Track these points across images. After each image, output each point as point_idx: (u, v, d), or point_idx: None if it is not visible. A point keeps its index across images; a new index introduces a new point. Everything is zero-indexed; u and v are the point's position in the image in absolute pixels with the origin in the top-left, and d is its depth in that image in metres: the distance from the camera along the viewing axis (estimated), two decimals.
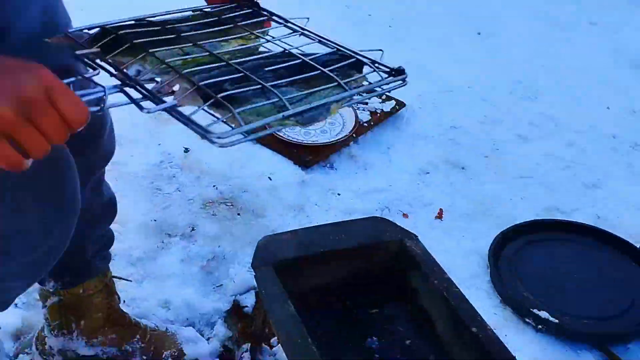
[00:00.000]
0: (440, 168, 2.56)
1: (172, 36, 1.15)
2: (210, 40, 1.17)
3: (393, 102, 2.78)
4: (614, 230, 2.26)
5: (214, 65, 1.05)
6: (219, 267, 2.07)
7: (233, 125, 0.92)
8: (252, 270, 1.46)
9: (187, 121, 0.91)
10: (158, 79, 1.04)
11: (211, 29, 1.21)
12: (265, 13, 1.30)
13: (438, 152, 2.61)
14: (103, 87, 0.94)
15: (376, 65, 1.13)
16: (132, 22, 1.18)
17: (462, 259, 2.13)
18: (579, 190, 2.52)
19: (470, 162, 2.62)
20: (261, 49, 1.20)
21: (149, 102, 0.97)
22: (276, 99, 0.97)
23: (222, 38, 1.18)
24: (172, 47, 1.10)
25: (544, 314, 1.89)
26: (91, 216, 1.47)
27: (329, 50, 1.17)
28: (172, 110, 0.94)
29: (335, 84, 1.05)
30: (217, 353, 1.82)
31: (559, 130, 2.90)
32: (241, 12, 1.29)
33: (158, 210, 2.25)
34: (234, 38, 1.20)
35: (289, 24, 1.29)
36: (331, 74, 1.06)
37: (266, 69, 1.06)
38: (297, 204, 2.32)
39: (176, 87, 1.03)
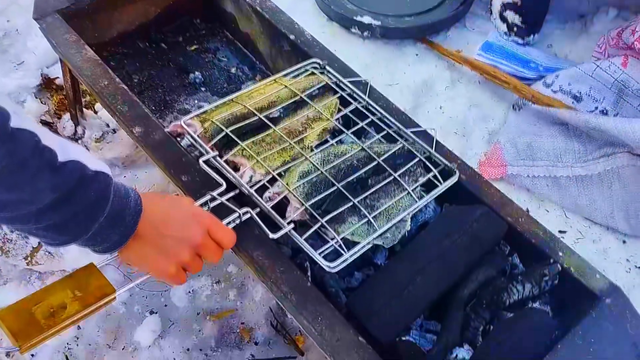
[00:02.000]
0: None
1: (271, 130, 1.39)
2: (299, 129, 1.42)
3: None
4: None
5: (313, 176, 1.31)
6: (15, 44, 1.96)
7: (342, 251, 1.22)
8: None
9: (302, 245, 1.21)
10: (268, 185, 1.31)
11: (296, 116, 1.45)
12: (332, 85, 1.52)
13: None
14: (239, 212, 1.22)
15: (433, 163, 1.41)
16: (231, 114, 1.40)
17: None
18: None
19: None
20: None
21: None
22: (365, 219, 1.27)
23: (310, 127, 1.43)
24: (274, 148, 1.36)
25: (367, 19, 2.12)
26: None
27: (395, 145, 1.42)
28: (291, 235, 1.22)
29: (407, 192, 1.34)
30: None
31: None
32: (317, 88, 1.51)
33: None
34: (317, 122, 1.44)
35: (355, 95, 1.53)
36: (402, 181, 1.35)
37: (352, 177, 1.33)
38: None
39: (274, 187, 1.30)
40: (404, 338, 1.21)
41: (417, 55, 2.29)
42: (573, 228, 1.85)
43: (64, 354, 1.48)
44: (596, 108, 1.92)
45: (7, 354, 1.46)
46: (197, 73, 1.78)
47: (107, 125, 1.89)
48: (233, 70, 1.82)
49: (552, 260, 1.29)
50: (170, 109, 1.69)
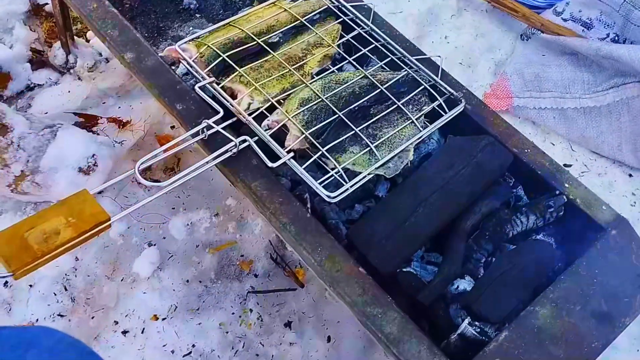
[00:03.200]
0: None
1: (270, 56, 1.33)
2: (299, 55, 1.36)
3: None
4: None
5: (313, 104, 1.26)
6: None
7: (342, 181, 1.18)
8: None
9: (302, 175, 1.17)
10: (266, 113, 1.26)
11: (296, 41, 1.38)
12: (334, 9, 1.45)
13: None
14: (235, 141, 1.18)
15: (438, 91, 1.36)
16: (228, 38, 1.33)
17: None
18: None
19: None
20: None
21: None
22: (367, 148, 1.23)
23: (310, 53, 1.36)
24: (273, 74, 1.30)
25: None
26: None
27: (399, 73, 1.37)
28: (290, 164, 1.18)
29: (410, 121, 1.29)
30: (27, 57, 1.79)
31: None
32: (318, 12, 1.44)
33: None
34: (317, 48, 1.38)
35: (358, 21, 1.46)
36: (406, 110, 1.30)
37: (354, 105, 1.28)
38: None
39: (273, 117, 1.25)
40: (404, 269, 1.19)
41: None
42: (579, 161, 1.82)
43: (62, 285, 1.47)
44: (607, 35, 1.85)
45: (5, 284, 1.45)
46: None
47: (100, 54, 1.82)
48: None
49: (557, 192, 1.26)
50: (163, 36, 1.62)
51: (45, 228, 0.99)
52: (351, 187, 1.17)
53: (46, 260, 0.97)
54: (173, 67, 1.38)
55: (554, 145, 1.84)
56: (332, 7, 1.47)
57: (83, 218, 1.02)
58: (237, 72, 1.28)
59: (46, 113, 1.69)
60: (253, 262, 1.58)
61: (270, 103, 1.26)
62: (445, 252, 1.24)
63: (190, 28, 1.64)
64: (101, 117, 1.68)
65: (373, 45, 1.41)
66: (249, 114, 1.24)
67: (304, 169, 1.18)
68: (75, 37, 1.79)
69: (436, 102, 1.34)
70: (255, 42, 1.34)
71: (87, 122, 1.66)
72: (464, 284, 1.19)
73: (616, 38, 1.82)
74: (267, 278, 1.56)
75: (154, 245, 1.56)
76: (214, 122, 1.21)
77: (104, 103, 1.75)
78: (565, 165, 1.80)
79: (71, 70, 1.79)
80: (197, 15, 1.68)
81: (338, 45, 1.41)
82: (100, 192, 1.60)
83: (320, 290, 1.54)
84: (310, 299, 1.53)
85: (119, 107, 1.75)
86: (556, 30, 1.86)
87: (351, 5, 1.49)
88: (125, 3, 1.66)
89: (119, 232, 1.56)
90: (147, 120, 1.69)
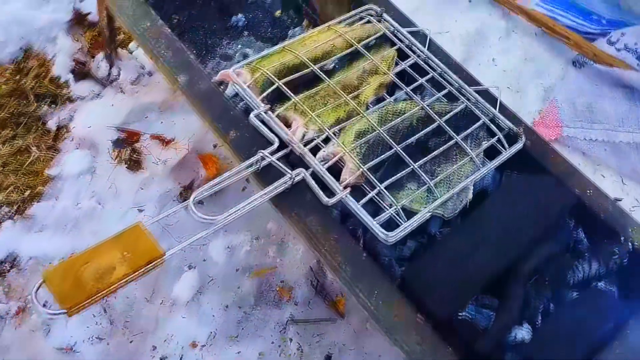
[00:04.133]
0: None
1: (325, 84, 1.29)
2: (354, 84, 1.32)
3: None
4: None
5: (370, 137, 1.21)
6: None
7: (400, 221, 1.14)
8: None
9: (358, 213, 1.13)
10: (321, 144, 1.22)
11: (352, 68, 1.35)
12: (390, 35, 1.41)
13: None
14: (290, 174, 1.14)
15: (497, 125, 1.31)
16: (283, 64, 1.29)
17: None
18: None
19: None
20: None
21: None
22: (425, 186, 1.19)
23: (365, 81, 1.33)
24: (329, 103, 1.26)
25: None
26: None
27: (457, 105, 1.32)
28: (347, 202, 1.14)
29: (469, 158, 1.25)
30: (70, 68, 1.76)
31: None
32: (374, 38, 1.40)
33: None
34: (373, 76, 1.34)
35: (414, 47, 1.42)
36: (465, 146, 1.25)
37: (411, 139, 1.24)
38: None
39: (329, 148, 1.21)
40: (460, 315, 1.14)
41: (470, 1, 2.14)
42: (630, 195, 1.76)
43: (101, 307, 1.45)
44: None
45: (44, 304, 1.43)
46: (239, 15, 1.66)
47: (143, 67, 1.80)
48: (277, 13, 1.70)
49: (622, 238, 1.20)
50: (212, 54, 1.59)
51: (100, 263, 0.96)
52: (410, 226, 1.13)
53: (100, 297, 0.94)
54: (221, 87, 1.35)
55: (604, 177, 1.78)
56: (388, 33, 1.42)
57: (138, 253, 0.99)
58: (292, 100, 1.25)
59: (89, 127, 1.66)
60: (293, 289, 1.55)
61: (325, 134, 1.22)
62: (503, 296, 1.19)
63: (239, 46, 1.60)
64: (144, 133, 1.65)
65: (430, 76, 1.37)
66: (304, 145, 1.21)
67: (361, 206, 1.14)
68: (119, 50, 1.77)
69: (495, 138, 1.30)
70: (310, 69, 1.30)
71: (130, 138, 1.64)
72: (522, 332, 1.14)
73: None
74: (307, 306, 1.52)
75: (194, 268, 1.53)
76: (269, 153, 1.17)
77: (146, 117, 1.73)
78: (615, 199, 1.74)
79: (114, 83, 1.77)
80: (245, 33, 1.64)
81: (394, 74, 1.37)
82: (141, 211, 1.57)
83: (361, 322, 1.50)
84: (351, 330, 1.49)
85: (161, 122, 1.72)
86: (609, 61, 1.80)
87: (407, 31, 1.44)
88: (174, 18, 1.63)
89: None
90: (191, 138, 1.66)
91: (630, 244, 1.19)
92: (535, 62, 1.99)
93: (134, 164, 1.61)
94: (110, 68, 1.76)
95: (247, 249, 1.58)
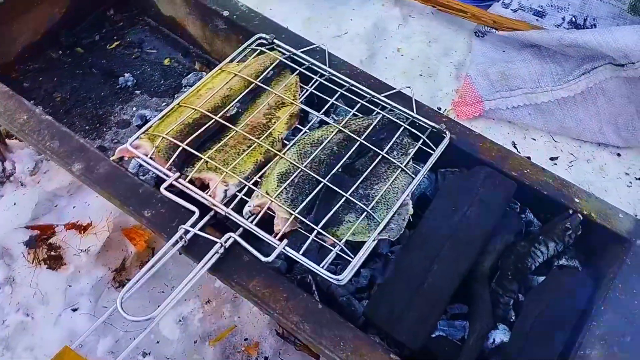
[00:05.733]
0: None
1: (233, 132, 1.20)
2: (263, 122, 1.23)
3: None
4: None
5: (293, 177, 1.13)
6: None
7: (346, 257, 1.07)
8: None
9: (302, 262, 1.05)
10: (245, 198, 1.13)
11: (256, 107, 1.26)
12: (286, 62, 1.33)
13: None
14: (219, 242, 1.05)
15: (417, 127, 1.26)
16: (183, 123, 1.20)
17: None
18: None
19: None
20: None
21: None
22: (364, 213, 1.12)
23: (274, 117, 1.24)
24: (241, 150, 1.17)
25: None
26: None
27: (373, 117, 1.26)
28: (287, 252, 1.06)
29: (400, 170, 1.19)
30: None
31: None
32: (271, 70, 1.32)
33: None
34: (280, 109, 1.26)
35: (315, 67, 1.35)
36: (392, 159, 1.19)
37: (336, 168, 1.17)
38: None
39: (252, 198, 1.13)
40: (434, 335, 1.08)
41: None
42: (564, 151, 1.75)
43: None
44: (563, 19, 1.79)
45: None
46: (126, 75, 1.54)
47: (39, 153, 1.65)
48: (166, 62, 1.60)
49: (570, 211, 1.17)
50: (106, 124, 1.47)
51: None
52: (358, 262, 1.06)
53: None
54: (121, 161, 1.24)
55: (535, 140, 1.77)
56: (284, 60, 1.35)
57: None
58: (202, 159, 1.15)
59: None
60: (259, 344, 1.45)
61: (247, 187, 1.14)
62: (471, 302, 1.14)
63: (134, 109, 1.49)
64: (57, 225, 1.52)
65: (339, 93, 1.30)
66: (226, 204, 1.11)
67: (302, 253, 1.06)
68: (7, 141, 1.62)
69: (420, 141, 1.24)
70: (213, 120, 1.21)
71: (43, 234, 1.50)
72: (500, 335, 1.09)
73: (573, 19, 1.76)
74: (279, 357, 1.44)
75: (149, 354, 1.41)
76: (191, 226, 1.07)
77: (55, 206, 1.59)
78: (551, 158, 1.74)
79: (11, 178, 1.62)
80: (137, 92, 1.53)
81: (301, 101, 1.30)
82: (75, 310, 1.44)
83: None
84: None
85: (74, 207, 1.58)
86: (510, 25, 1.78)
87: (301, 52, 1.37)
88: (56, 97, 1.50)
89: (107, 350, 1.40)
90: (109, 217, 1.53)
91: (579, 215, 1.16)
92: (439, 42, 1.96)
93: (55, 261, 1.47)
94: (3, 163, 1.61)
95: (199, 316, 1.47)
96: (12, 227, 1.53)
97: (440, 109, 1.80)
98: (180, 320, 1.46)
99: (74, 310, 1.43)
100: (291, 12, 2.02)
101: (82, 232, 1.50)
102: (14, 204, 1.57)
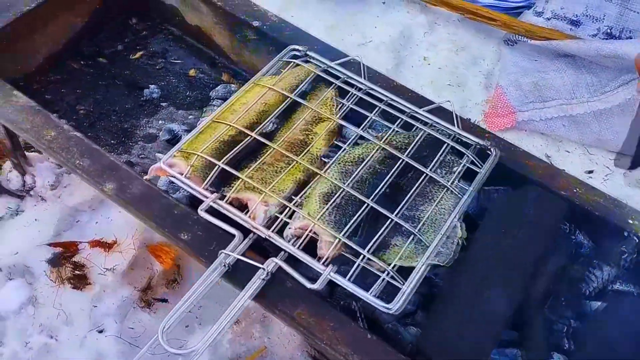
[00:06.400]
0: None
1: (271, 149, 1.15)
2: (300, 139, 1.18)
3: None
4: None
5: (336, 197, 1.08)
6: None
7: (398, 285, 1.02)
8: None
9: (351, 289, 1.00)
10: (286, 219, 1.08)
11: (293, 122, 1.21)
12: (322, 74, 1.28)
13: None
14: (262, 267, 1.00)
15: (462, 143, 1.21)
16: (218, 141, 1.15)
17: None
18: None
19: None
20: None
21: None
22: (412, 237, 1.06)
23: (312, 132, 1.19)
24: (280, 167, 1.12)
25: None
26: None
27: (416, 134, 1.21)
28: (334, 279, 1.01)
29: (446, 188, 1.14)
30: None
31: None
32: (306, 83, 1.27)
33: None
34: (318, 124, 1.21)
35: (350, 81, 1.30)
36: (438, 178, 1.14)
37: (380, 187, 1.12)
38: None
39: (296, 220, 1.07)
40: None
41: (383, 3, 2.04)
42: (599, 164, 1.70)
43: None
44: (598, 30, 1.74)
45: None
46: (152, 87, 1.49)
47: (59, 166, 1.59)
48: (192, 72, 1.54)
49: (625, 233, 1.12)
50: (132, 138, 1.41)
51: None
52: (410, 289, 1.01)
53: None
54: (146, 176, 1.18)
55: (569, 152, 1.71)
56: (319, 73, 1.29)
57: None
58: (241, 179, 1.10)
59: (16, 253, 1.46)
60: None
61: (289, 209, 1.08)
62: (521, 328, 1.09)
63: (160, 122, 1.44)
64: (80, 242, 1.46)
65: (379, 109, 1.25)
66: (268, 226, 1.06)
67: (349, 279, 1.01)
68: (26, 154, 1.56)
69: (465, 158, 1.19)
70: (251, 137, 1.16)
71: (67, 251, 1.44)
72: None
73: (609, 31, 1.71)
74: None
75: None
76: (231, 250, 1.02)
77: (77, 222, 1.53)
78: (587, 172, 1.69)
79: (31, 192, 1.56)
80: (163, 104, 1.48)
81: (340, 116, 1.24)
82: (100, 332, 1.38)
83: None
84: None
85: (96, 223, 1.53)
86: (544, 34, 1.73)
87: (336, 64, 1.32)
88: (79, 110, 1.44)
89: None
90: (134, 234, 1.48)
91: (635, 237, 1.11)
92: (466, 50, 1.91)
93: (79, 281, 1.41)
94: (23, 177, 1.56)
95: (229, 338, 1.41)
96: (33, 245, 1.47)
97: (469, 119, 1.75)
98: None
99: (100, 331, 1.38)
100: (313, 19, 1.97)
101: (107, 249, 1.45)
102: (35, 219, 1.52)
